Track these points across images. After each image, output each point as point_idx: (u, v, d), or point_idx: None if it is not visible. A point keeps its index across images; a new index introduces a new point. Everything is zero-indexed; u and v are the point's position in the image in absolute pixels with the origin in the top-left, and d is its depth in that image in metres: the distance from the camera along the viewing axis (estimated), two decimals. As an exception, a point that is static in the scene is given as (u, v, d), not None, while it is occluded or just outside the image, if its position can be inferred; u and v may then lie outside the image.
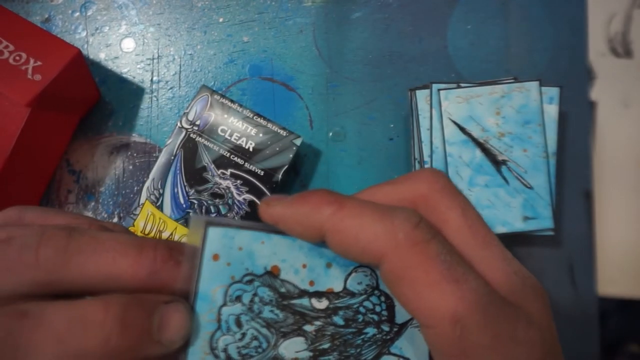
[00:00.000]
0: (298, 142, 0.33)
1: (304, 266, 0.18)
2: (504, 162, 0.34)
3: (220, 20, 0.39)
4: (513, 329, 0.16)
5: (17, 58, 0.30)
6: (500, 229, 0.34)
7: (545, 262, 0.37)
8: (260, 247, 0.18)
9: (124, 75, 0.38)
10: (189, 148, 0.33)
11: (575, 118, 0.39)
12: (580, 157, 0.39)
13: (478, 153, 0.34)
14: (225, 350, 0.17)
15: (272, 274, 0.18)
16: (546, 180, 0.34)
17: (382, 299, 0.18)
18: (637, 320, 0.43)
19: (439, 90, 0.35)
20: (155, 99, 0.38)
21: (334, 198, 0.17)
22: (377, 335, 0.18)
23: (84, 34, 0.38)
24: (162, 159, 0.33)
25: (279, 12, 0.39)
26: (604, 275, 0.38)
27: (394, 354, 0.18)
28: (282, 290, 0.18)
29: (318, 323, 0.18)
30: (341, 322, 0.18)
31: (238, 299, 0.17)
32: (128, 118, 0.37)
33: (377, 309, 0.18)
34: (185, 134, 0.33)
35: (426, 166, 0.35)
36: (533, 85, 0.34)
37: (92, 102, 0.37)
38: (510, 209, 0.34)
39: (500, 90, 0.34)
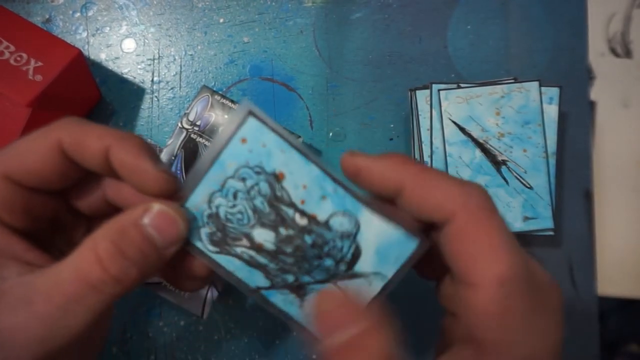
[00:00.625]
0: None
1: (304, 187, 0.21)
2: (503, 162, 0.34)
3: (221, 20, 0.39)
4: (547, 300, 0.18)
5: (18, 58, 0.30)
6: (500, 229, 0.34)
7: (545, 262, 0.38)
8: (279, 153, 0.21)
9: (125, 76, 0.38)
10: (190, 148, 0.33)
11: (575, 118, 0.39)
12: (580, 157, 0.39)
13: (478, 153, 0.34)
14: (217, 207, 0.21)
15: (278, 177, 0.21)
16: (546, 180, 0.34)
17: (352, 247, 0.21)
18: (637, 320, 0.43)
19: (439, 90, 0.35)
20: (156, 99, 0.38)
21: (414, 160, 0.19)
22: (332, 268, 0.21)
23: (84, 34, 0.38)
24: (163, 159, 0.33)
25: (279, 13, 0.39)
26: (603, 275, 0.38)
27: (337, 286, 0.21)
28: (278, 193, 0.21)
29: (291, 232, 0.21)
30: (309, 242, 0.21)
31: (243, 179, 0.21)
32: (129, 118, 0.38)
33: (344, 251, 0.21)
34: (186, 134, 0.33)
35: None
36: (533, 85, 0.34)
37: (93, 102, 0.37)
38: (510, 209, 0.34)
39: (500, 90, 0.34)
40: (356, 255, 0.21)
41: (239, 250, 0.21)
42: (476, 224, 0.17)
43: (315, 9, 0.39)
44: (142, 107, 0.38)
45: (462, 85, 0.35)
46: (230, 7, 0.39)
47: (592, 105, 0.40)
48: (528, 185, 0.34)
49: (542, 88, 0.34)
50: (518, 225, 0.34)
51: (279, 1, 0.40)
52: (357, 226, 0.21)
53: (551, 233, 0.34)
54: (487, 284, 0.17)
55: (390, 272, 0.21)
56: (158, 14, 0.39)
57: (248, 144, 0.21)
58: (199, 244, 0.21)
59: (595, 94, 0.41)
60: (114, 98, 0.38)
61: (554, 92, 0.35)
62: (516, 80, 0.35)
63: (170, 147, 0.33)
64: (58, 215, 0.23)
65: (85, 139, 0.20)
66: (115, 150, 0.20)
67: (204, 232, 0.21)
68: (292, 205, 0.21)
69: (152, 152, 0.20)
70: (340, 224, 0.21)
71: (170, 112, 0.38)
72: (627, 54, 0.41)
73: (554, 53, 0.40)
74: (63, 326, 0.18)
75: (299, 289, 0.21)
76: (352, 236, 0.21)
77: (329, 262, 0.21)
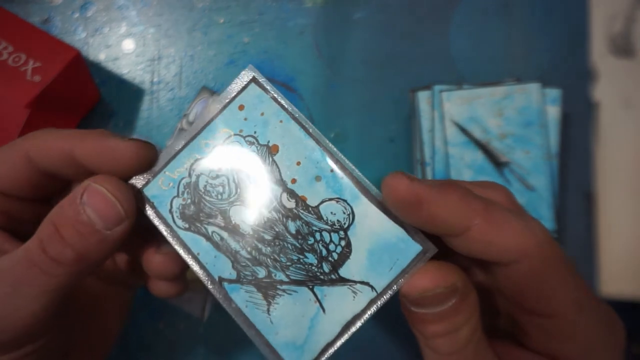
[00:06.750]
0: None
1: (298, 164, 0.19)
2: (505, 163, 0.34)
3: (221, 21, 0.39)
4: (611, 317, 0.20)
5: (17, 59, 0.30)
6: (502, 231, 0.33)
7: (547, 263, 0.37)
8: (276, 123, 0.19)
9: (124, 77, 0.38)
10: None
11: (577, 119, 0.39)
12: (583, 159, 0.38)
13: (480, 154, 0.34)
14: (198, 176, 0.19)
15: (270, 150, 0.19)
16: (548, 181, 0.34)
17: (343, 243, 0.18)
18: (640, 322, 0.43)
19: (440, 91, 0.34)
20: (155, 100, 0.38)
21: (477, 195, 0.17)
22: (313, 267, 0.18)
23: (83, 34, 0.38)
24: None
25: (279, 13, 0.39)
26: (606, 277, 0.38)
27: (314, 293, 0.18)
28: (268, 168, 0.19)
29: (274, 215, 0.18)
30: (293, 230, 0.18)
31: None
32: (128, 119, 0.37)
33: (331, 247, 0.18)
34: (186, 135, 0.33)
35: (428, 168, 0.34)
36: (535, 86, 0.34)
37: (92, 103, 0.37)
38: (512, 210, 0.34)
39: (502, 91, 0.34)
40: (345, 254, 0.18)
41: (210, 229, 0.18)
42: (548, 261, 0.17)
43: (315, 9, 0.39)
44: (142, 108, 0.38)
45: (463, 86, 0.35)
46: (230, 7, 0.39)
47: (594, 106, 0.40)
48: (530, 187, 0.34)
49: (544, 89, 0.34)
50: (520, 227, 0.33)
51: (279, 1, 0.39)
52: (352, 218, 0.18)
53: (554, 235, 0.34)
54: (569, 312, 0.18)
55: (381, 283, 0.18)
56: (158, 14, 0.39)
57: (245, 111, 0.19)
58: (166, 215, 0.19)
59: (597, 94, 0.40)
60: (113, 99, 0.37)
61: (556, 93, 0.35)
62: (518, 81, 0.34)
63: (169, 148, 0.33)
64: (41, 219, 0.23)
65: (48, 145, 0.19)
66: (78, 146, 0.19)
67: (177, 202, 0.19)
68: (281, 182, 0.19)
69: (118, 134, 0.20)
70: (333, 212, 0.18)
71: (169, 113, 0.38)
72: (630, 54, 0.41)
73: (556, 54, 0.39)
74: (14, 305, 0.17)
75: (268, 289, 0.18)
76: (343, 229, 0.18)
77: (311, 259, 0.18)
